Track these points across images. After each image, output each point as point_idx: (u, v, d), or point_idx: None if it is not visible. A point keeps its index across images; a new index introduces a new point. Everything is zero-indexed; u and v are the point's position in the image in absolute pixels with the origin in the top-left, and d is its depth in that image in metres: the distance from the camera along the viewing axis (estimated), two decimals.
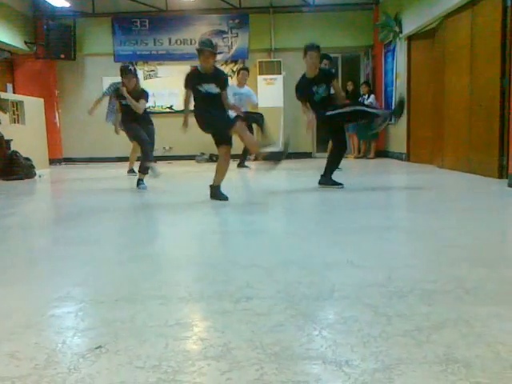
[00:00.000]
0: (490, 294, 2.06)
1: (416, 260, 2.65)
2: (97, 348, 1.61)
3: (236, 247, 3.13)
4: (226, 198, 4.98)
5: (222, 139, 4.96)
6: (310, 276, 2.38)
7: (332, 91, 5.81)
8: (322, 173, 5.87)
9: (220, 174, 5.07)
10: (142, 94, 6.40)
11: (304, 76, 5.82)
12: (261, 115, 8.37)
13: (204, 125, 4.92)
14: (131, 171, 8.21)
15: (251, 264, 2.63)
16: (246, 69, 9.13)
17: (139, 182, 6.31)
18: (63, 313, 1.96)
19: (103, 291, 2.22)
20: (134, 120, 6.38)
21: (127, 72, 6.31)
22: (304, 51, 5.71)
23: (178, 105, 11.05)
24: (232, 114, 5.15)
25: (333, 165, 5.87)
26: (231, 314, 1.89)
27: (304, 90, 5.75)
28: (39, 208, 5.46)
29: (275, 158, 4.90)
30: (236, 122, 4.87)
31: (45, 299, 2.13)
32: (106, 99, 8.52)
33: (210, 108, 4.86)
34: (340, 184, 5.74)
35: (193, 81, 4.89)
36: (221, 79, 4.94)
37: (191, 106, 5.06)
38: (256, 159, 4.97)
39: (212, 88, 4.85)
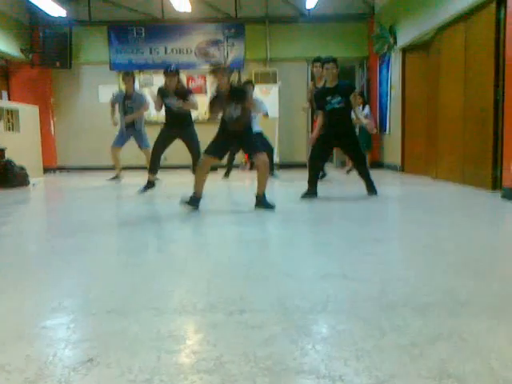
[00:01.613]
0: (483, 308, 2.05)
1: (409, 272, 2.65)
2: (88, 361, 1.60)
3: (228, 258, 3.11)
4: (272, 207, 4.99)
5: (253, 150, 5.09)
6: (304, 288, 2.37)
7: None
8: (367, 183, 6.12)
9: (262, 183, 5.06)
10: (187, 92, 6.37)
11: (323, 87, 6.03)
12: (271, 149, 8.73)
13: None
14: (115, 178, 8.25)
15: (244, 275, 2.62)
16: (250, 82, 9.10)
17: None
18: (55, 324, 1.94)
19: (95, 302, 2.20)
20: (176, 123, 6.37)
21: (168, 71, 6.27)
22: (312, 62, 5.88)
23: None
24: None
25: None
26: (224, 327, 1.88)
27: (319, 100, 5.96)
28: (32, 217, 5.43)
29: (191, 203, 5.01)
30: (260, 152, 5.01)
31: (36, 310, 2.11)
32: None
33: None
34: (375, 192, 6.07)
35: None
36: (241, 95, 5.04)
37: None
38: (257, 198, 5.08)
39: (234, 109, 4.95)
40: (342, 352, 1.64)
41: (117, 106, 8.17)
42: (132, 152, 8.66)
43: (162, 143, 6.55)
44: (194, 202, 5.04)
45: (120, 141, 8.14)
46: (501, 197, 5.55)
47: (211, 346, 1.71)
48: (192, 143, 6.47)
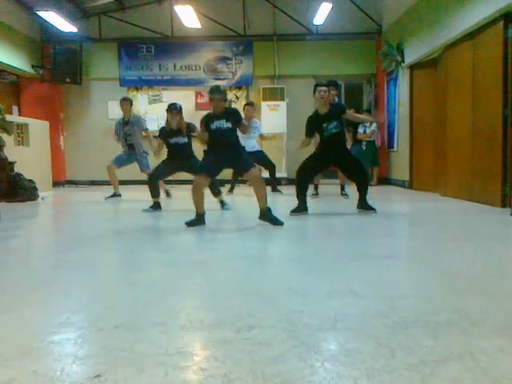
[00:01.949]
0: (495, 327, 2.03)
1: (419, 290, 2.63)
2: (96, 377, 1.59)
3: (236, 274, 3.10)
4: (281, 223, 4.96)
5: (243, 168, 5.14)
6: (312, 305, 2.35)
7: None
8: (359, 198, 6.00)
9: (261, 197, 5.06)
10: (190, 127, 6.44)
11: (315, 112, 5.96)
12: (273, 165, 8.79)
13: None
14: (114, 195, 8.29)
15: (252, 291, 2.60)
16: (251, 103, 9.16)
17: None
18: (62, 339, 1.93)
19: (103, 317, 2.19)
20: (178, 157, 6.45)
21: (172, 108, 6.32)
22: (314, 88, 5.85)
23: None
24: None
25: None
26: (232, 344, 1.86)
27: (313, 127, 5.91)
28: (41, 231, 5.45)
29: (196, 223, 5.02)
30: (253, 167, 5.08)
31: (44, 325, 2.10)
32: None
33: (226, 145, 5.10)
34: (373, 209, 5.91)
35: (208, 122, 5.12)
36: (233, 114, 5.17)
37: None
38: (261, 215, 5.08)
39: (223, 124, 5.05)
40: (351, 371, 1.61)
41: (116, 137, 8.28)
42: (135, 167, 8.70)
43: (161, 172, 6.64)
44: (198, 221, 5.04)
45: (119, 161, 8.20)
46: (510, 214, 5.51)
47: (219, 363, 1.69)
48: (196, 171, 6.52)
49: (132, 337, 1.93)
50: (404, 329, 2.00)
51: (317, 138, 6.10)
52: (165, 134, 6.46)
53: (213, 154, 5.14)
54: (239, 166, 5.26)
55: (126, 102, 8.10)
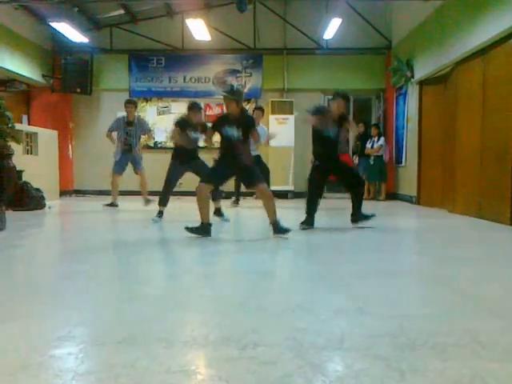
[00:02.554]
0: (507, 349, 1.97)
1: (428, 309, 2.57)
2: None
3: (241, 288, 3.06)
4: (287, 230, 4.96)
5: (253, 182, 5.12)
6: (318, 323, 2.30)
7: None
8: (352, 212, 5.92)
9: (270, 211, 5.04)
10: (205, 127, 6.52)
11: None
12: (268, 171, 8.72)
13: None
14: (111, 205, 8.27)
15: (257, 307, 2.56)
16: (260, 108, 9.19)
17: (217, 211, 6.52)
18: (63, 354, 1.89)
19: (105, 332, 2.15)
20: (186, 157, 6.49)
21: (193, 107, 6.48)
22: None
23: None
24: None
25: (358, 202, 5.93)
26: (237, 362, 1.82)
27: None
28: (46, 241, 5.44)
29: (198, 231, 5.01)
30: (261, 182, 5.07)
31: (45, 338, 2.07)
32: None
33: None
34: (373, 215, 5.86)
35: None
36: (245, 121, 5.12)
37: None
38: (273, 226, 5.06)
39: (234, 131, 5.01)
40: None
41: (114, 134, 8.28)
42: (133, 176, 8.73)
43: (175, 178, 6.67)
44: (203, 230, 5.01)
45: (120, 168, 8.24)
46: None
47: (223, 382, 1.65)
48: (202, 172, 6.54)
49: (134, 353, 1.89)
50: (413, 350, 1.94)
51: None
52: (183, 124, 6.46)
53: (223, 163, 5.11)
54: (247, 179, 5.23)
55: (131, 105, 8.21)
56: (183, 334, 2.15)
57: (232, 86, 5.24)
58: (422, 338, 2.08)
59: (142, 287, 3.02)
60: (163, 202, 6.60)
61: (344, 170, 6.04)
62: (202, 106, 11.79)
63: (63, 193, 11.11)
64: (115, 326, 2.25)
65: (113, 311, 2.51)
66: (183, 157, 6.50)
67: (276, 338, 2.07)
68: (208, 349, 1.97)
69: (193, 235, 4.94)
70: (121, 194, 8.71)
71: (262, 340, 2.05)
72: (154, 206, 7.23)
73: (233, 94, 5.00)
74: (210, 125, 6.46)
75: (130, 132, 8.14)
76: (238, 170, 5.10)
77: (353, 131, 6.62)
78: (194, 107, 6.47)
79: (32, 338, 2.08)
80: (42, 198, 8.24)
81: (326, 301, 2.72)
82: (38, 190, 8.21)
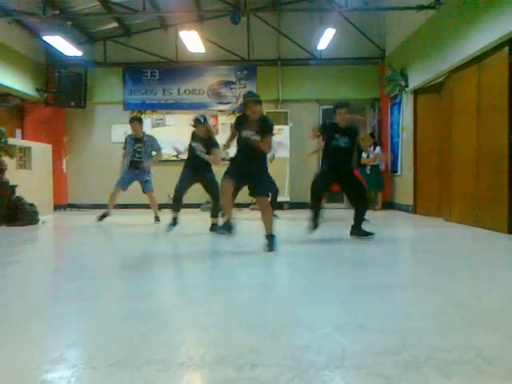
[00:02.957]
0: (511, 366, 1.91)
1: (429, 323, 2.52)
2: None
3: (238, 304, 2.99)
4: (276, 247, 4.96)
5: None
6: (318, 340, 2.24)
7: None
8: (352, 224, 5.92)
9: (267, 223, 5.05)
10: (213, 145, 6.59)
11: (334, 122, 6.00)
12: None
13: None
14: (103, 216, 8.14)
15: (255, 324, 2.50)
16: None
17: (213, 226, 6.53)
18: (55, 378, 1.82)
19: (98, 354, 2.08)
20: (197, 166, 6.58)
21: (198, 122, 6.55)
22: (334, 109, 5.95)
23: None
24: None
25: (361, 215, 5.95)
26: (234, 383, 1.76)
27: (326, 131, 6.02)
28: (40, 257, 5.35)
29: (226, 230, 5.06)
30: (265, 195, 5.13)
31: (37, 361, 2.00)
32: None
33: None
34: (372, 234, 5.80)
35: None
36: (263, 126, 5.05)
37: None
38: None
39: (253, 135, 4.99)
40: None
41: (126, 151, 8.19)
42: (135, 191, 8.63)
43: (185, 185, 6.71)
44: (228, 228, 5.07)
45: (123, 182, 8.10)
46: None
47: None
48: (211, 189, 6.62)
49: (128, 376, 1.82)
50: (416, 368, 1.89)
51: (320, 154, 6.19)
52: (193, 137, 6.67)
53: (236, 162, 5.11)
54: (254, 186, 5.16)
55: (135, 122, 8.05)
56: (179, 354, 2.08)
57: (251, 92, 5.28)
58: (424, 355, 2.02)
59: (137, 305, 2.95)
60: (175, 209, 6.67)
61: (351, 185, 5.99)
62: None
63: (57, 207, 11.02)
64: (108, 347, 2.18)
65: (106, 331, 2.44)
66: (193, 165, 6.60)
67: (274, 357, 2.01)
68: (204, 370, 1.91)
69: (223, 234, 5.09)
70: (118, 207, 8.56)
71: (260, 359, 1.99)
72: (156, 223, 7.20)
73: (254, 100, 4.95)
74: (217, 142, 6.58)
75: (138, 149, 8.01)
76: (249, 173, 5.03)
77: (364, 143, 6.50)
78: (196, 122, 6.58)
79: (23, 360, 2.01)
80: (36, 213, 8.16)
81: (326, 315, 2.66)
82: (31, 205, 8.13)
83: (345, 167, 5.91)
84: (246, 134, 4.98)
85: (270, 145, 5.42)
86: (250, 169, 5.01)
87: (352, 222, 5.92)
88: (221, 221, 6.28)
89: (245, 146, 5.01)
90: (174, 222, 6.66)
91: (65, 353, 2.09)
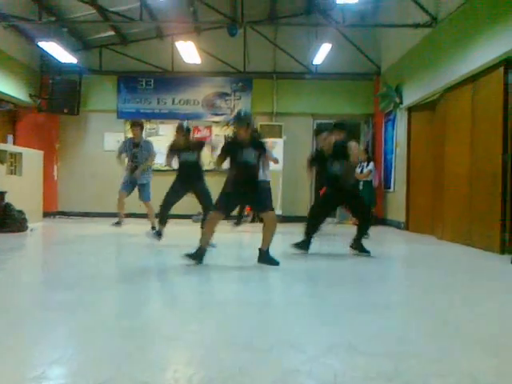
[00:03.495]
0: None
1: (424, 346, 2.46)
2: None
3: (229, 321, 2.92)
4: (276, 263, 4.88)
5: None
6: (310, 362, 2.18)
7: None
8: (354, 238, 5.93)
9: (267, 238, 4.98)
10: (200, 144, 6.57)
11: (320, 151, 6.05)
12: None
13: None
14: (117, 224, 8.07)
15: (245, 344, 2.43)
16: (256, 130, 9.02)
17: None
18: None
19: (82, 373, 2.01)
20: (188, 176, 6.45)
21: (179, 128, 6.48)
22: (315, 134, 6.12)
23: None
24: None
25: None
26: None
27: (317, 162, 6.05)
28: (26, 267, 5.24)
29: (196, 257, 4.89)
30: (271, 209, 5.07)
31: (18, 379, 1.92)
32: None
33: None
34: (368, 253, 5.79)
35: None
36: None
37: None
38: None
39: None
40: None
41: (123, 155, 8.11)
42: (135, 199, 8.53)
43: (174, 197, 6.57)
44: (198, 256, 4.85)
45: (125, 186, 8.03)
46: (510, 262, 5.37)
47: None
48: (203, 197, 6.48)
49: None
50: None
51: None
52: (174, 149, 6.53)
53: (233, 189, 4.99)
54: (257, 205, 5.17)
55: (137, 127, 8.02)
56: (165, 375, 2.01)
57: (240, 112, 5.18)
58: (418, 381, 1.97)
59: (124, 320, 2.87)
60: (162, 221, 6.52)
61: (354, 204, 6.01)
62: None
63: (46, 214, 10.88)
64: (92, 365, 2.10)
65: (91, 347, 2.36)
66: (185, 175, 6.47)
67: (264, 381, 1.94)
68: None
69: (189, 265, 4.79)
70: (114, 216, 8.41)
71: (249, 383, 1.92)
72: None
73: (242, 121, 4.93)
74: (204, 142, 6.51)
75: (135, 154, 7.98)
76: (253, 194, 5.02)
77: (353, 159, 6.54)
78: (178, 131, 6.49)
79: (4, 378, 1.93)
80: (25, 220, 8.04)
81: (317, 336, 2.60)
82: (20, 211, 8.02)
83: (344, 188, 5.85)
84: (246, 156, 4.92)
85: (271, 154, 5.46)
86: (249, 192, 4.98)
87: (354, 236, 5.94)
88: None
89: (244, 170, 4.93)
90: (159, 234, 6.53)
91: (47, 371, 2.00)
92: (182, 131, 6.44)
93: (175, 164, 6.58)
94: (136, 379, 1.92)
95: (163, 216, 6.53)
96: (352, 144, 5.86)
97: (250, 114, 5.22)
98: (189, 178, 6.48)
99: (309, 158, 6.12)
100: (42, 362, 2.12)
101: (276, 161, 7.99)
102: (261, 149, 5.05)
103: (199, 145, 6.61)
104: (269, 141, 8.12)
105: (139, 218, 8.94)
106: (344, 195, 5.86)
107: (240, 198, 5.07)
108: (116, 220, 8.07)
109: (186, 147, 6.40)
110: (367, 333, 2.68)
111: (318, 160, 6.00)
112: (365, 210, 6.08)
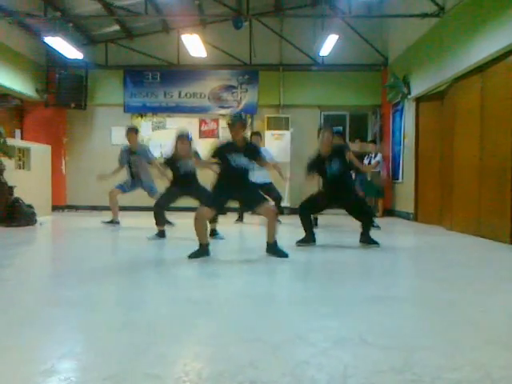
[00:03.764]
0: None
1: (434, 339, 2.44)
2: None
3: (237, 315, 2.91)
4: (285, 255, 4.87)
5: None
6: (320, 355, 2.16)
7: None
8: (361, 232, 5.88)
9: (271, 230, 4.96)
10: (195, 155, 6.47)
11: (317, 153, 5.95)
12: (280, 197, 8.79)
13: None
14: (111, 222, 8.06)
15: (254, 337, 2.42)
16: (257, 133, 8.96)
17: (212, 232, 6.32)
18: None
19: (91, 366, 2.01)
20: (182, 183, 6.39)
21: (181, 137, 6.36)
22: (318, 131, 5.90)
23: None
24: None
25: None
26: None
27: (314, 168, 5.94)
28: (35, 261, 5.26)
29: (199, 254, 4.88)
30: (266, 201, 5.10)
31: (27, 373, 1.92)
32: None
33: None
34: (377, 244, 5.76)
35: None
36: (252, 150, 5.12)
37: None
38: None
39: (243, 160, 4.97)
40: None
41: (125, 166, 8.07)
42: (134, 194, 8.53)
43: (167, 200, 6.55)
44: (201, 252, 4.87)
45: (121, 186, 8.00)
46: None
47: None
48: (202, 198, 6.41)
49: None
50: None
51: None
52: (171, 160, 6.44)
53: (223, 186, 5.01)
54: (250, 201, 5.16)
55: (132, 133, 7.87)
56: (175, 368, 2.00)
57: (239, 114, 5.18)
58: (429, 374, 1.94)
59: (134, 314, 2.87)
60: (159, 222, 6.47)
61: (350, 205, 5.95)
62: (197, 122, 11.76)
63: (55, 208, 10.95)
64: (102, 358, 2.10)
65: (100, 342, 2.36)
66: (179, 182, 6.42)
67: (274, 374, 1.93)
68: None
69: (197, 259, 4.80)
70: (122, 210, 8.41)
71: (259, 376, 1.91)
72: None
73: (242, 123, 4.98)
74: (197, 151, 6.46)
75: (133, 161, 7.92)
76: (241, 193, 5.01)
77: (356, 165, 6.58)
78: (180, 138, 6.35)
79: (13, 373, 1.93)
80: (34, 214, 8.08)
81: (327, 329, 2.59)
82: (29, 206, 8.05)
83: (344, 191, 5.85)
84: (239, 161, 4.92)
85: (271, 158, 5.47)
86: (240, 189, 4.98)
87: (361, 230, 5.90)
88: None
89: (236, 174, 4.93)
90: (162, 234, 6.49)
91: (56, 364, 2.01)
92: (186, 140, 6.35)
93: (170, 174, 6.55)
94: (145, 372, 1.92)
95: (160, 218, 6.50)
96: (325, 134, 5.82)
97: (246, 117, 5.21)
98: (188, 186, 6.42)
99: (307, 165, 5.96)
100: (51, 355, 2.12)
101: (277, 167, 7.66)
102: (255, 153, 5.08)
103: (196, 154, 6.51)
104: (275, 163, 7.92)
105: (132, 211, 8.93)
106: (341, 197, 5.82)
107: (230, 196, 5.03)
108: (109, 219, 8.03)
109: (188, 157, 6.31)
110: (378, 325, 2.66)
111: (318, 164, 5.87)
112: (363, 207, 6.04)
